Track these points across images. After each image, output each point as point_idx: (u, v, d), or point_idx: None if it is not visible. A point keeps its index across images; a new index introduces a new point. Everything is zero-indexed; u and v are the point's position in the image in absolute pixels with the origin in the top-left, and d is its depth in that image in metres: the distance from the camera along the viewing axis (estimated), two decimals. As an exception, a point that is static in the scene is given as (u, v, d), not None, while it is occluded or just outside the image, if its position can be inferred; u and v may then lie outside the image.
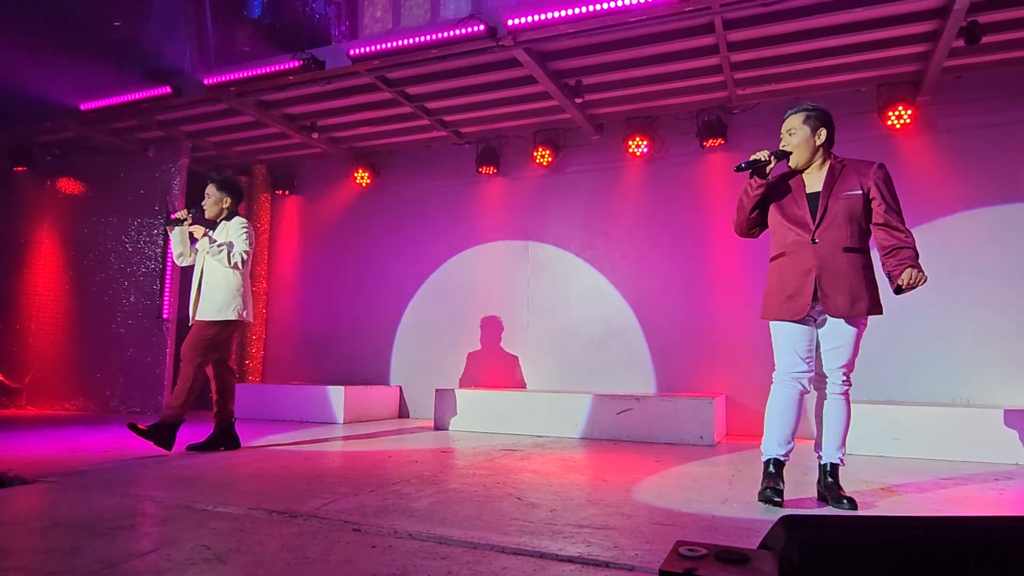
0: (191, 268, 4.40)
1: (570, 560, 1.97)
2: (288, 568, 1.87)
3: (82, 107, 6.65)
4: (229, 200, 4.39)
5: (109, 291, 7.39)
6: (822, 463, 2.94)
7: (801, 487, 3.21)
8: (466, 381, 6.72)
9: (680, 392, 5.83)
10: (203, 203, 4.40)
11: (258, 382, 7.55)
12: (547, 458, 4.17)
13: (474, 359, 6.79)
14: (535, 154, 6.48)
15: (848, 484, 3.03)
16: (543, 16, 4.90)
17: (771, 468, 2.88)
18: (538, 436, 5.38)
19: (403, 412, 7.11)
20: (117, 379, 7.18)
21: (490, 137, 6.86)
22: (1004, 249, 5.11)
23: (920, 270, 2.71)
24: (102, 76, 6.58)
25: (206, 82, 6.11)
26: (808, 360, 2.89)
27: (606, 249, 6.42)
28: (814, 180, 2.94)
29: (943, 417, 4.42)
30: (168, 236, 4.45)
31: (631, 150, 6.17)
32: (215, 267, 4.25)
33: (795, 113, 2.97)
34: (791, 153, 2.95)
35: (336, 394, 6.34)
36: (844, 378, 2.87)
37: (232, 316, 4.21)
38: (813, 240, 2.84)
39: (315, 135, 6.77)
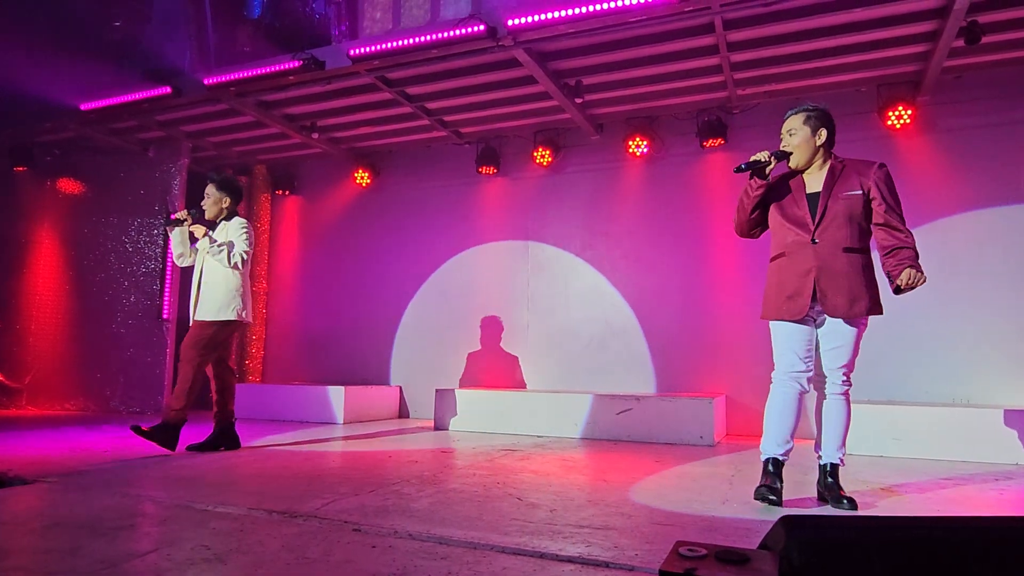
0: (191, 268, 4.40)
1: (570, 560, 1.97)
2: (288, 568, 1.87)
3: (82, 107, 6.65)
4: (229, 200, 4.39)
5: (109, 291, 7.39)
6: (822, 463, 2.94)
7: (801, 487, 3.21)
8: (466, 381, 6.72)
9: (680, 392, 5.83)
10: (203, 203, 4.40)
11: (258, 382, 7.55)
12: (547, 458, 4.17)
13: (474, 359, 6.79)
14: (535, 154, 6.49)
15: (848, 484, 3.03)
16: (543, 16, 4.90)
17: (770, 467, 2.89)
18: (538, 436, 5.38)
19: (403, 412, 7.11)
20: (117, 379, 7.18)
21: (490, 137, 6.86)
22: (1004, 250, 5.11)
23: (919, 270, 2.71)
24: (102, 76, 6.58)
25: (206, 82, 6.11)
26: (807, 360, 2.89)
27: (606, 249, 6.42)
28: (814, 180, 2.94)
29: (943, 417, 4.42)
30: (168, 236, 4.44)
31: (631, 150, 6.17)
32: (215, 267, 4.25)
33: (795, 113, 2.97)
34: (791, 153, 2.95)
35: (336, 394, 6.34)
36: (844, 378, 2.87)
37: (231, 316, 4.21)
38: (813, 240, 2.84)
39: (315, 135, 6.77)
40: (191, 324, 4.24)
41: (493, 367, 6.70)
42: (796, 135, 2.94)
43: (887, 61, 5.20)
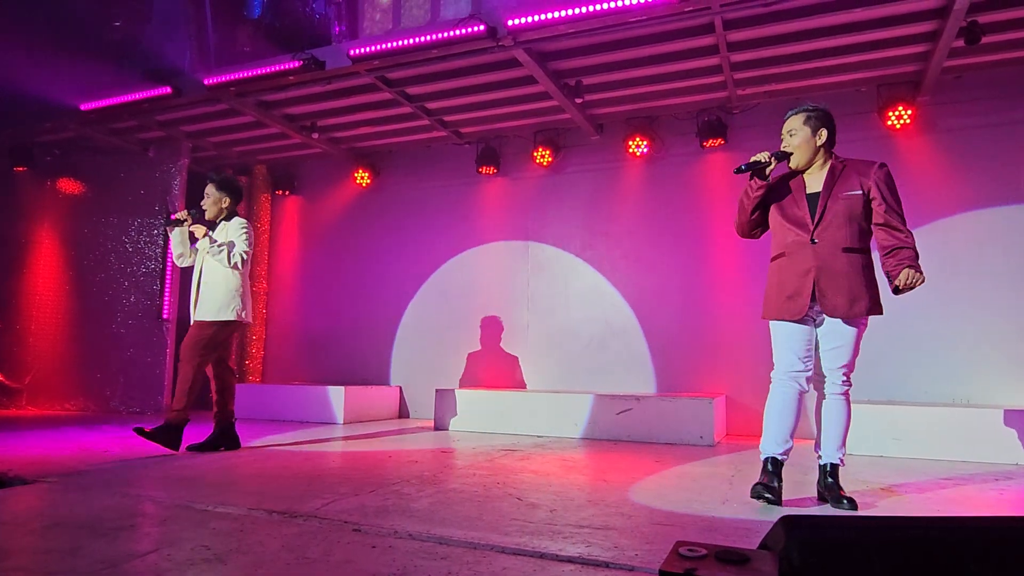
0: (191, 268, 4.40)
1: (570, 560, 1.97)
2: (288, 568, 1.87)
3: (82, 107, 6.65)
4: (228, 200, 4.39)
5: (109, 291, 7.39)
6: (822, 463, 2.94)
7: (801, 487, 3.21)
8: (466, 381, 6.72)
9: (680, 392, 5.83)
10: (202, 203, 4.40)
11: (258, 382, 7.55)
12: (547, 458, 4.17)
13: (474, 359, 6.79)
14: (535, 154, 6.49)
15: (848, 484, 3.03)
16: (543, 16, 4.90)
17: (769, 467, 2.89)
18: (538, 436, 5.38)
19: (403, 412, 7.11)
20: (117, 379, 7.18)
21: (490, 137, 6.86)
22: (1004, 250, 5.11)
23: (918, 270, 2.71)
24: (102, 76, 6.58)
25: (206, 82, 6.11)
26: (806, 360, 2.89)
27: (606, 249, 6.42)
28: (815, 180, 2.95)
29: (943, 417, 4.42)
30: (168, 236, 4.45)
31: (631, 150, 6.17)
32: (214, 267, 4.25)
33: (796, 114, 2.97)
34: (792, 154, 2.95)
35: (336, 394, 6.34)
36: (844, 378, 2.87)
37: (231, 316, 4.21)
38: (812, 240, 2.84)
39: (315, 135, 6.77)
40: (191, 324, 4.25)
41: (493, 367, 6.70)
42: (796, 135, 2.94)
43: (887, 61, 5.20)
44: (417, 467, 3.72)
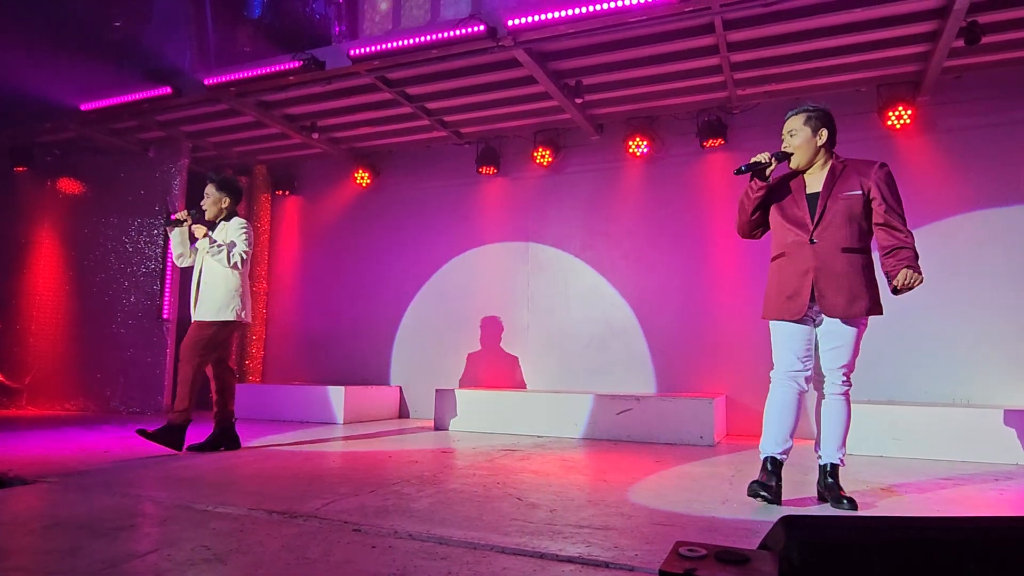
0: (191, 268, 4.40)
1: (570, 560, 1.97)
2: (288, 568, 1.87)
3: (82, 107, 6.65)
4: (228, 200, 4.39)
5: (109, 291, 7.39)
6: (822, 463, 2.94)
7: (801, 487, 3.21)
8: (466, 381, 6.72)
9: (680, 392, 5.83)
10: (202, 203, 4.40)
11: (258, 382, 7.55)
12: (547, 458, 4.17)
13: (474, 359, 6.79)
14: (535, 154, 6.49)
15: (848, 484, 3.03)
16: (543, 16, 4.91)
17: (768, 466, 2.89)
18: (538, 436, 5.38)
19: (403, 412, 7.11)
20: (117, 379, 7.18)
21: (490, 137, 6.86)
22: (1004, 250, 5.11)
23: (916, 271, 2.71)
24: (102, 76, 6.58)
25: (206, 82, 6.12)
26: (805, 360, 2.90)
27: (606, 249, 6.42)
28: (815, 180, 2.95)
29: (943, 417, 4.42)
30: (168, 237, 4.45)
31: (631, 150, 6.17)
32: (214, 267, 4.25)
33: (796, 114, 2.97)
34: (792, 154, 2.95)
35: (336, 394, 6.34)
36: (844, 378, 2.87)
37: (230, 316, 4.21)
38: (811, 240, 2.85)
39: (315, 135, 6.77)
40: (191, 324, 4.25)
41: (493, 367, 6.70)
42: (797, 136, 2.94)
43: (887, 61, 5.20)
44: (417, 467, 3.72)
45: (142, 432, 3.97)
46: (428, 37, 5.28)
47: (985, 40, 4.55)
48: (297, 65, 5.76)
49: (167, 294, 7.12)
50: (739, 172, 2.94)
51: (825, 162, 2.95)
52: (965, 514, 2.80)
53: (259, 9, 7.58)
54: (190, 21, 6.99)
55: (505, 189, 6.92)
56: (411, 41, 5.35)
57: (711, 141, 5.92)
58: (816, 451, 2.99)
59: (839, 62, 5.23)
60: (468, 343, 6.82)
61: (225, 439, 4.33)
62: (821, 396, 2.97)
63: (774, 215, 3.02)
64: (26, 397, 7.53)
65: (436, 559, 1.97)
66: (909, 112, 5.30)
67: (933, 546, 0.94)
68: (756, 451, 3.00)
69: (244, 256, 4.22)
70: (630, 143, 6.14)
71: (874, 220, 2.84)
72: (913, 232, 2.83)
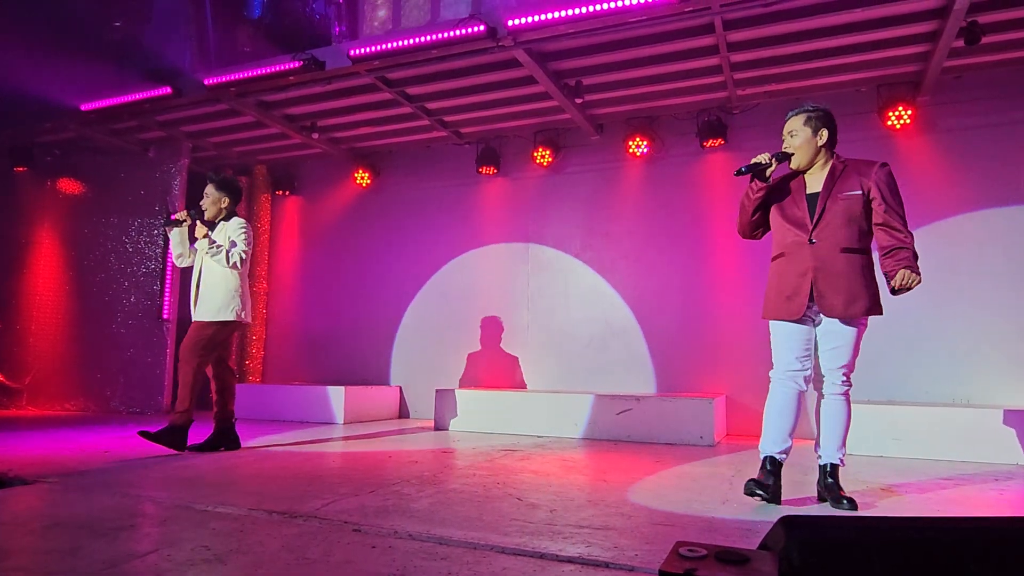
0: (191, 269, 4.40)
1: (570, 560, 1.97)
2: (288, 568, 1.87)
3: (82, 107, 6.66)
4: (228, 200, 4.39)
5: (109, 291, 7.39)
6: (822, 463, 2.93)
7: (801, 487, 3.21)
8: (466, 381, 6.72)
9: (680, 392, 5.83)
10: (201, 203, 4.40)
11: (258, 382, 7.55)
12: (547, 458, 4.17)
13: (474, 359, 6.79)
14: (535, 154, 6.49)
15: (848, 484, 3.03)
16: (543, 16, 4.91)
17: (767, 466, 2.90)
18: (538, 436, 5.38)
19: (403, 412, 7.11)
20: (117, 379, 7.18)
21: (490, 137, 6.86)
22: (1004, 250, 5.11)
23: (914, 271, 2.70)
24: (102, 76, 6.58)
25: (206, 82, 6.12)
26: (803, 360, 2.90)
27: (606, 249, 6.42)
28: (815, 181, 2.95)
29: (943, 417, 4.42)
30: (168, 237, 4.45)
31: (631, 150, 6.17)
32: (213, 267, 4.25)
33: (796, 115, 2.97)
34: (792, 155, 2.95)
35: (336, 394, 6.34)
36: (844, 378, 2.87)
37: (230, 317, 4.21)
38: (810, 241, 2.85)
39: (315, 135, 6.77)
40: (191, 325, 4.25)
41: (493, 367, 6.70)
42: (797, 136, 2.94)
43: (887, 61, 5.20)
44: (417, 467, 3.72)
45: (144, 434, 3.98)
46: (428, 37, 5.28)
47: (985, 40, 4.55)
48: (297, 65, 5.76)
49: (167, 294, 7.12)
50: (739, 173, 2.94)
51: (826, 162, 2.95)
52: (965, 514, 2.80)
53: (259, 9, 7.58)
54: (190, 21, 6.99)
55: (505, 189, 6.92)
56: (411, 41, 5.35)
57: (711, 141, 5.92)
58: (816, 451, 2.99)
59: (839, 62, 5.23)
60: (468, 343, 6.82)
61: (225, 439, 4.32)
62: (821, 396, 2.97)
63: (774, 215, 3.02)
64: (26, 397, 7.53)
65: (436, 559, 1.97)
66: (909, 112, 5.30)
67: (933, 546, 0.94)
68: (756, 451, 3.01)
69: (243, 256, 4.22)
70: (630, 143, 6.14)
71: (874, 220, 2.84)
72: (913, 232, 2.82)
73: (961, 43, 4.60)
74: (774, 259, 3.02)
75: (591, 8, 4.78)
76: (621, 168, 6.44)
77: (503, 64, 5.44)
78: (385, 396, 6.96)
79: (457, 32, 5.17)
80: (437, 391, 6.01)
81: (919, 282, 2.71)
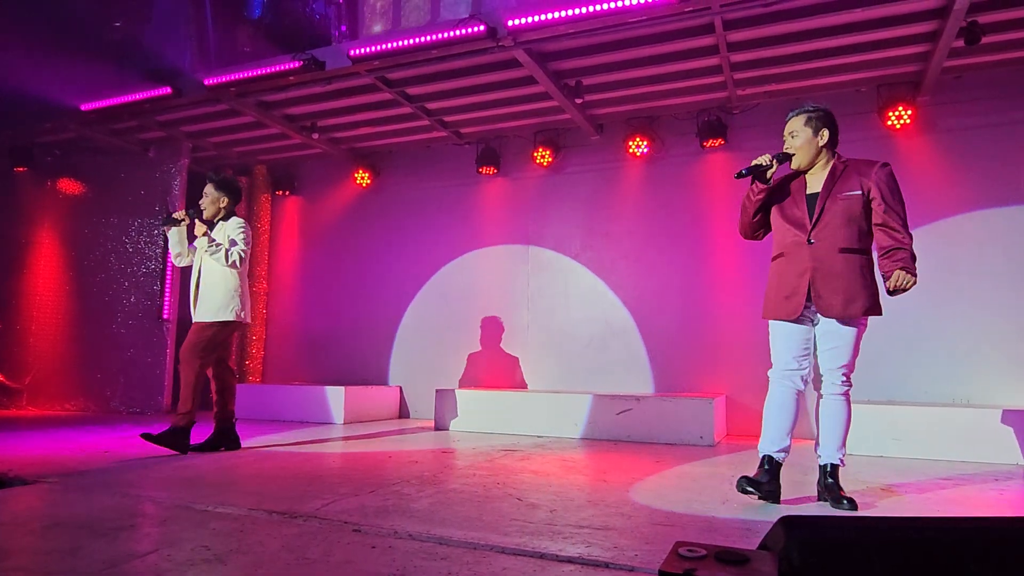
0: (190, 269, 4.40)
1: (570, 560, 1.97)
2: (288, 569, 1.87)
3: (82, 107, 6.65)
4: (227, 200, 4.40)
5: (109, 291, 7.39)
6: (822, 463, 2.93)
7: (801, 487, 3.21)
8: (466, 382, 6.72)
9: (680, 392, 5.83)
10: (200, 203, 4.40)
11: (258, 382, 7.55)
12: (547, 458, 4.17)
13: (474, 360, 6.79)
14: (535, 154, 6.49)
15: (848, 484, 3.03)
16: (543, 16, 4.91)
17: (764, 465, 2.90)
18: (538, 436, 5.38)
19: (403, 412, 7.11)
20: (117, 379, 7.18)
21: (490, 137, 6.86)
22: (1004, 250, 5.11)
23: (910, 272, 2.70)
24: (102, 76, 6.58)
25: (206, 82, 6.11)
26: (801, 359, 2.90)
27: (606, 249, 6.42)
28: (815, 181, 2.95)
29: (943, 417, 4.42)
30: (167, 236, 4.45)
31: (631, 150, 6.17)
32: (213, 267, 4.25)
33: (797, 115, 2.97)
34: (793, 156, 2.95)
35: (336, 394, 6.34)
36: (844, 378, 2.87)
37: (230, 317, 4.21)
38: (809, 241, 2.85)
39: (315, 135, 6.77)
40: (191, 326, 4.25)
41: (493, 367, 6.70)
42: (798, 137, 2.94)
43: (887, 61, 5.20)
44: (417, 467, 3.72)
45: (147, 436, 3.99)
46: (428, 37, 5.28)
47: (985, 40, 4.55)
48: (297, 65, 5.76)
49: (167, 294, 7.12)
50: (740, 176, 2.95)
51: (827, 162, 2.95)
52: (965, 514, 2.80)
53: (259, 9, 7.58)
54: (190, 21, 6.99)
55: (505, 189, 6.92)
56: (411, 41, 5.35)
57: (711, 141, 5.92)
58: (816, 451, 2.99)
59: (839, 62, 5.23)
60: (468, 343, 6.82)
61: (225, 439, 4.33)
62: (821, 396, 2.97)
63: (775, 215, 3.02)
64: (26, 397, 7.53)
65: (436, 559, 1.97)
66: (909, 112, 5.30)
67: (933, 546, 0.94)
68: (756, 451, 3.01)
69: (242, 255, 4.22)
70: (630, 143, 6.14)
71: (873, 220, 2.84)
72: (913, 232, 2.82)
73: (961, 43, 4.60)
74: (774, 259, 3.02)
75: (591, 8, 4.78)
76: (621, 168, 6.44)
77: (503, 64, 5.44)
78: (385, 396, 6.96)
79: (457, 32, 5.17)
80: (437, 391, 6.01)
81: (914, 283, 2.71)
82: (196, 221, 4.32)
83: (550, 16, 4.89)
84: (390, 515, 2.50)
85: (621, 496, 2.98)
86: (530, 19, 4.94)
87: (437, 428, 5.89)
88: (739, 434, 5.58)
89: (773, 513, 2.65)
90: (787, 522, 1.00)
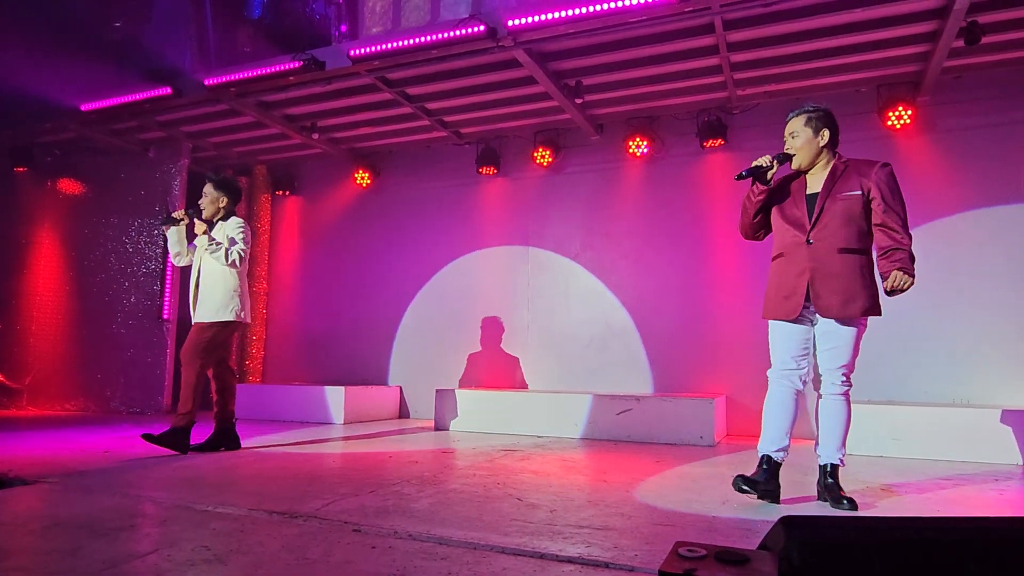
0: (190, 268, 4.40)
1: (570, 561, 1.97)
2: (288, 569, 1.87)
3: (82, 107, 6.65)
4: (226, 200, 4.40)
5: (109, 292, 7.39)
6: (821, 463, 2.94)
7: (801, 487, 3.21)
8: (466, 382, 6.72)
9: (681, 392, 5.83)
10: (200, 203, 4.41)
11: (258, 382, 7.55)
12: (547, 458, 4.17)
13: (474, 360, 6.79)
14: (535, 154, 6.49)
15: (848, 484, 3.03)
16: (543, 17, 4.91)
17: (763, 464, 2.90)
18: (538, 436, 5.38)
19: (403, 412, 7.11)
20: (117, 380, 7.19)
21: (490, 137, 6.86)
22: (1004, 250, 5.11)
23: (907, 273, 2.70)
24: (102, 76, 6.58)
25: (206, 83, 6.11)
26: (800, 359, 2.91)
27: (606, 250, 6.42)
28: (816, 181, 2.95)
29: (943, 417, 4.42)
30: (166, 236, 4.45)
31: (631, 150, 6.17)
32: (212, 267, 4.25)
33: (797, 115, 2.97)
34: (794, 156, 2.96)
35: (336, 394, 6.34)
36: (843, 378, 2.87)
37: (230, 317, 4.21)
38: (808, 241, 2.85)
39: (315, 135, 6.77)
40: (191, 327, 4.25)
41: (493, 368, 6.70)
42: (798, 137, 2.94)
43: (887, 61, 5.20)
44: (417, 467, 3.72)
45: (147, 437, 3.99)
46: (428, 37, 5.28)
47: (985, 40, 4.55)
48: (297, 65, 5.76)
49: (167, 294, 7.12)
50: (740, 178, 2.95)
51: (827, 163, 2.95)
52: (965, 514, 2.80)
53: (259, 9, 7.59)
54: (190, 21, 6.99)
55: (505, 189, 6.92)
56: (411, 41, 5.35)
57: (711, 141, 5.92)
58: (816, 451, 2.99)
59: (839, 62, 5.23)
60: (468, 343, 6.82)
61: (225, 439, 4.33)
62: (820, 397, 2.97)
63: (775, 216, 3.03)
64: (26, 397, 7.53)
65: (436, 559, 1.97)
66: (909, 112, 5.30)
67: (933, 546, 0.94)
68: (756, 451, 3.01)
69: (242, 254, 4.22)
70: (630, 143, 6.14)
71: (873, 221, 2.84)
72: (913, 232, 2.82)
73: (961, 43, 4.60)
74: (774, 259, 3.03)
75: (591, 8, 4.78)
76: (621, 168, 6.44)
77: (503, 64, 5.44)
78: (385, 396, 6.96)
79: (457, 32, 5.17)
80: (437, 391, 6.01)
81: (911, 284, 2.71)
82: (196, 220, 4.32)
83: (550, 16, 4.89)
84: (390, 515, 2.50)
85: (621, 496, 2.98)
86: (530, 19, 4.94)
87: (437, 428, 5.89)
88: (739, 434, 5.58)
89: (773, 513, 2.65)
90: (787, 522, 1.00)
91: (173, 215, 4.34)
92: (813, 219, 2.85)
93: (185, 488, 3.03)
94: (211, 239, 4.21)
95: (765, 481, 2.87)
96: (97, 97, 6.58)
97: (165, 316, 7.07)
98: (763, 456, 2.92)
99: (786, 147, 2.98)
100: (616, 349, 6.25)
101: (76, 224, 7.66)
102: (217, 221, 4.37)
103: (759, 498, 2.86)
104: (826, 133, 2.92)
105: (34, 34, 6.52)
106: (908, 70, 5.32)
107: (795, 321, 2.89)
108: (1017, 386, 4.97)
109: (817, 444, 2.98)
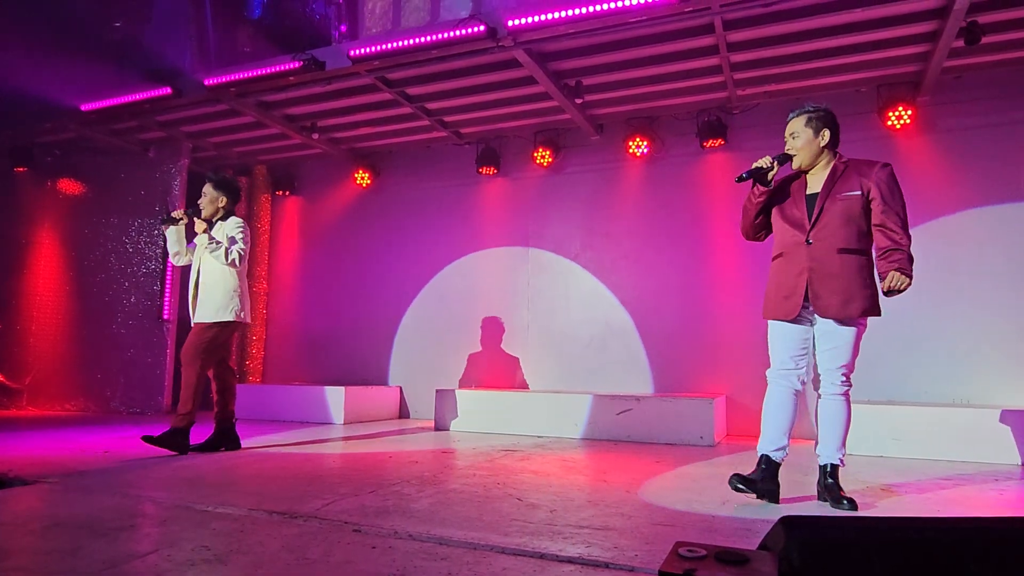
0: (190, 268, 4.40)
1: (570, 561, 1.97)
2: (288, 569, 1.87)
3: (83, 108, 6.66)
4: (225, 200, 4.40)
5: (109, 292, 7.39)
6: (821, 463, 2.94)
7: (801, 487, 3.21)
8: (466, 382, 6.72)
9: (680, 392, 5.82)
10: (199, 202, 4.40)
11: (258, 382, 7.55)
12: (547, 459, 4.17)
13: (474, 360, 6.79)
14: (535, 154, 6.49)
15: (848, 484, 3.03)
16: (543, 17, 4.91)
17: (762, 464, 2.91)
18: (538, 436, 5.38)
19: (403, 413, 7.11)
20: (118, 380, 7.19)
21: (490, 137, 6.86)
22: (1004, 249, 5.11)
23: (905, 273, 2.70)
24: (102, 76, 6.58)
25: (206, 83, 6.11)
26: (798, 359, 2.91)
27: (606, 250, 6.42)
28: (816, 181, 2.95)
29: (943, 417, 4.42)
30: (165, 236, 4.45)
31: (631, 150, 6.17)
32: (212, 267, 4.25)
33: (797, 116, 2.97)
34: (794, 157, 2.96)
35: (336, 394, 6.34)
36: (843, 379, 2.87)
37: (230, 317, 4.21)
38: (807, 241, 2.85)
39: (315, 136, 6.77)
40: (191, 327, 4.24)
41: (493, 368, 6.70)
42: (799, 138, 2.94)
43: (887, 61, 5.20)
44: (417, 467, 3.72)
45: (147, 438, 3.99)
46: (428, 37, 5.28)
47: (985, 40, 4.55)
48: (297, 65, 5.76)
49: (167, 294, 7.12)
50: (740, 180, 2.95)
51: (828, 163, 2.95)
52: (965, 514, 2.80)
53: (259, 9, 7.59)
54: (190, 21, 6.99)
55: (505, 189, 6.92)
56: (411, 41, 5.35)
57: (711, 141, 5.92)
58: (816, 451, 2.99)
59: (839, 62, 5.23)
60: (468, 343, 6.82)
61: (225, 439, 4.33)
62: (820, 397, 2.97)
63: (775, 216, 3.03)
64: (26, 397, 7.53)
65: (436, 559, 1.97)
66: (909, 112, 5.30)
67: (933, 546, 0.94)
68: (756, 451, 3.01)
69: (242, 254, 4.22)
70: (630, 143, 6.14)
71: (872, 221, 2.84)
72: (913, 232, 2.82)
73: (961, 43, 4.60)
74: (774, 259, 3.03)
75: (591, 8, 4.78)
76: (621, 168, 6.44)
77: (503, 64, 5.44)
78: (385, 396, 6.96)
79: (457, 32, 5.17)
80: (437, 391, 6.01)
81: (909, 284, 2.71)
82: (195, 219, 4.32)
83: (550, 16, 4.89)
84: (390, 515, 2.51)
85: (621, 496, 2.98)
86: (530, 19, 4.94)
87: (437, 428, 5.89)
88: (739, 434, 5.58)
89: (773, 513, 2.65)
90: (787, 522, 1.00)
91: (172, 215, 4.34)
92: (813, 219, 2.85)
93: (185, 488, 3.04)
94: (211, 238, 4.21)
95: (762, 480, 2.87)
96: (97, 97, 6.58)
97: (165, 316, 7.07)
98: (762, 456, 2.92)
99: (787, 147, 2.98)
100: (616, 349, 6.25)
101: (76, 224, 7.66)
102: (216, 221, 4.37)
103: (758, 498, 2.86)
104: (827, 133, 2.92)
105: (34, 34, 6.52)
106: (908, 70, 5.32)
107: (794, 321, 2.89)
108: (1017, 386, 4.97)
109: (817, 444, 2.98)
